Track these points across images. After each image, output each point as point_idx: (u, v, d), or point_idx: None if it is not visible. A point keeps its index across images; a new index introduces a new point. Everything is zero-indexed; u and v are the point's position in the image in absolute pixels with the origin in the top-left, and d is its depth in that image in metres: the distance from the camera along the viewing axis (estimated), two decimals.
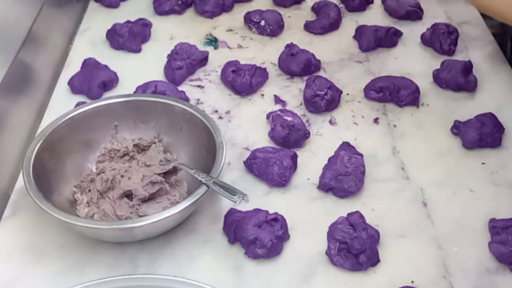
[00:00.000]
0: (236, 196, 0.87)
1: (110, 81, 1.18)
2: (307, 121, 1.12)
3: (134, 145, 1.02)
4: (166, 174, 0.98)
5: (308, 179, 1.01)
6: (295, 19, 1.39)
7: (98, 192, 0.96)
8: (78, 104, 1.10)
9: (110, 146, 1.02)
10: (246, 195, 0.88)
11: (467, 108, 1.13)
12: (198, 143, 0.99)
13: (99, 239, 0.90)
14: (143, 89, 1.13)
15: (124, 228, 0.86)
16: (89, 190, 0.97)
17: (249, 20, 1.35)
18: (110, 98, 1.04)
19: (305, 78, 1.19)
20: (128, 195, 0.95)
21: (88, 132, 1.01)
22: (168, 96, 1.09)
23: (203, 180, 0.89)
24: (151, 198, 0.95)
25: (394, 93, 1.15)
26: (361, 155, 1.01)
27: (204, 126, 0.97)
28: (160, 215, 0.85)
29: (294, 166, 1.01)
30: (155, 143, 1.02)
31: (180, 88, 1.17)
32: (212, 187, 0.88)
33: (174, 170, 0.99)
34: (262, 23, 1.34)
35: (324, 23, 1.35)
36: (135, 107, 1.03)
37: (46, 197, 0.86)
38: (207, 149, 0.95)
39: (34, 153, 0.92)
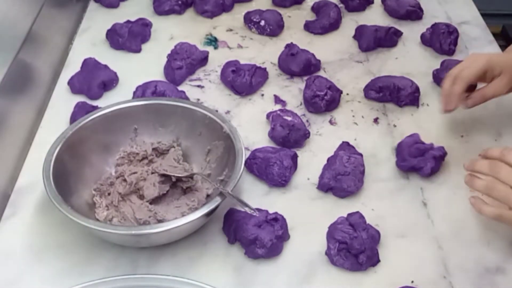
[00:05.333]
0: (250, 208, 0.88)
1: (110, 81, 1.18)
2: (307, 121, 1.12)
3: (153, 149, 1.01)
4: (185, 179, 0.98)
5: (308, 179, 1.01)
6: (295, 19, 1.39)
7: (119, 195, 0.95)
8: (78, 104, 1.10)
9: (129, 149, 1.01)
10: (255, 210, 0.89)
11: None
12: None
13: (119, 244, 0.89)
14: (143, 89, 1.13)
15: (140, 234, 0.84)
16: (109, 194, 0.96)
17: (249, 20, 1.35)
18: (130, 101, 1.03)
19: (305, 78, 1.19)
20: (148, 199, 0.95)
21: (108, 135, 1.00)
22: (188, 100, 1.07)
23: (220, 189, 0.88)
24: (169, 202, 0.95)
25: (394, 93, 1.15)
26: (361, 155, 1.01)
27: (223, 131, 0.96)
28: (177, 221, 0.84)
29: (294, 166, 1.01)
30: (174, 147, 1.02)
31: (180, 88, 1.17)
32: (230, 197, 0.87)
33: (192, 175, 0.99)
34: (262, 23, 1.34)
35: (324, 23, 1.35)
36: (155, 111, 1.02)
37: (65, 199, 0.85)
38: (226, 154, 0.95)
39: (55, 155, 0.91)
